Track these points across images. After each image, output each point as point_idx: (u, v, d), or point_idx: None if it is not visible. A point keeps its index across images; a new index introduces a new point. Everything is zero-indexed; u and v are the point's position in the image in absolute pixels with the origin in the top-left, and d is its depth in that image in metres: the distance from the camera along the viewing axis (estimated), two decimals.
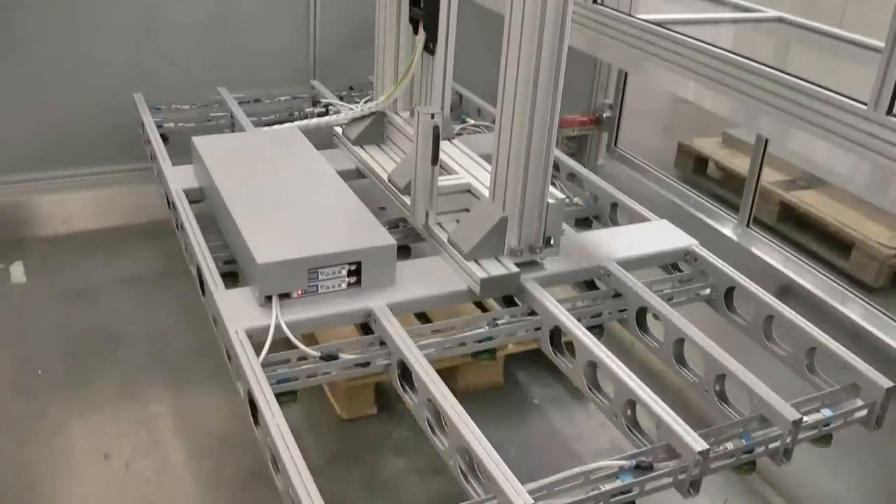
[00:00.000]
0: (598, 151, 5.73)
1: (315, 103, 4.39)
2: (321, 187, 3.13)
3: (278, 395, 2.49)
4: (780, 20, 4.30)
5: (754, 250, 4.47)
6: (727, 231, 4.69)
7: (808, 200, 5.17)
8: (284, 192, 3.08)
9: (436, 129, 2.81)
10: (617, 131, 5.78)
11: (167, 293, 4.04)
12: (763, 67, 3.13)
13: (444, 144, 3.40)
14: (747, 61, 3.19)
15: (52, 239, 4.70)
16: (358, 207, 2.97)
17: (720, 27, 4.69)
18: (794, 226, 5.12)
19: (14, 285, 4.22)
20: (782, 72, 3.06)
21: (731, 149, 5.71)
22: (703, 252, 3.09)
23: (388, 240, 2.77)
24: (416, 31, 3.36)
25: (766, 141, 4.46)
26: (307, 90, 4.57)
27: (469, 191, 3.08)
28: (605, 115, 5.62)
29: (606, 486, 2.18)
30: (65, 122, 4.46)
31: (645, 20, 3.69)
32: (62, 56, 4.35)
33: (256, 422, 2.36)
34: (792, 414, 2.35)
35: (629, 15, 3.81)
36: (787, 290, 4.22)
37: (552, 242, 2.87)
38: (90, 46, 4.38)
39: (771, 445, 2.37)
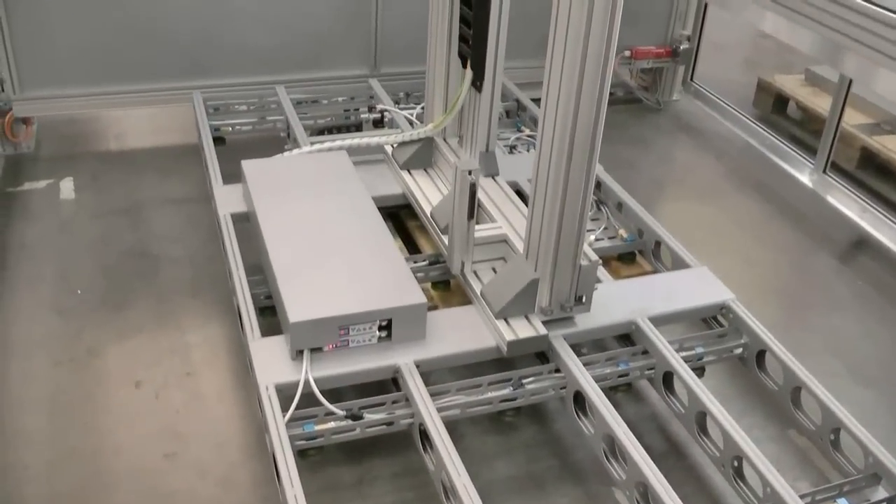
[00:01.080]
0: (672, 86, 5.65)
1: (371, 108, 4.38)
2: (360, 229, 3.16)
3: (304, 450, 2.66)
4: None
5: (829, 199, 4.40)
6: (802, 177, 4.62)
7: (892, 146, 4.72)
8: (324, 235, 3.11)
9: (472, 185, 2.82)
10: (694, 65, 5.67)
11: (213, 217, 3.80)
12: None
13: (486, 183, 3.45)
14: None
15: (103, 155, 4.70)
16: (394, 258, 3.01)
17: None
18: (875, 173, 4.72)
19: (62, 201, 4.24)
20: (872, 3, 2.87)
21: (814, 87, 5.33)
22: (740, 309, 3.06)
23: (420, 298, 2.82)
24: (464, 66, 3.34)
25: (850, 81, 4.31)
26: (365, 90, 4.56)
27: (506, 241, 3.10)
28: (681, 48, 5.48)
29: None
30: (123, 37, 4.46)
31: None
32: None
33: (278, 476, 2.46)
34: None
35: None
36: (862, 244, 4.17)
37: (584, 301, 2.88)
38: None
39: None
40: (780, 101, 5.38)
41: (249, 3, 4.51)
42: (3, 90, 4.38)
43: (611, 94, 5.23)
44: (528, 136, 4.17)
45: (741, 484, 2.60)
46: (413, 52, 4.29)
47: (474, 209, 2.88)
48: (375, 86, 4.53)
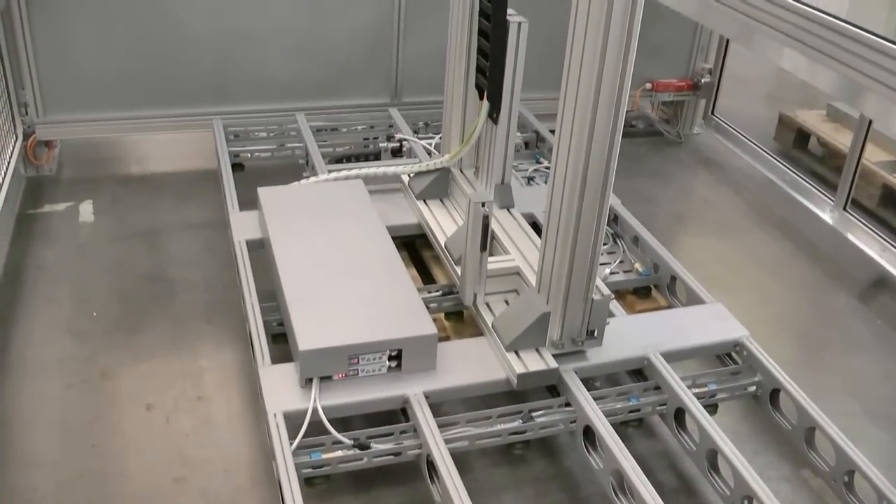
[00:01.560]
0: (693, 119, 5.64)
1: (389, 138, 4.41)
2: (373, 259, 3.16)
3: (312, 479, 2.64)
4: None
5: (849, 236, 4.37)
6: (823, 214, 4.58)
7: None
8: (336, 264, 3.12)
9: (485, 218, 2.83)
10: (715, 98, 5.67)
11: (230, 246, 3.74)
12: (870, 37, 2.85)
13: (501, 214, 3.44)
14: (852, 28, 2.93)
15: (124, 179, 4.72)
16: (407, 288, 3.01)
17: None
18: None
19: (81, 224, 4.26)
20: (889, 41, 2.81)
21: (836, 123, 5.30)
22: (754, 346, 3.03)
23: (430, 329, 2.81)
24: (481, 98, 3.35)
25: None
26: (385, 118, 4.59)
27: (518, 274, 3.09)
28: (703, 81, 5.48)
29: None
30: (146, 63, 4.51)
31: None
32: (150, 1, 4.37)
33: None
34: None
35: None
36: (882, 283, 4.13)
37: (595, 335, 2.87)
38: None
39: None
40: (802, 137, 5.35)
41: (272, 31, 4.56)
42: (26, 113, 4.43)
43: (631, 126, 5.40)
44: (546, 167, 4.18)
45: None
46: (434, 81, 4.26)
47: (487, 241, 2.88)
48: (395, 115, 4.56)
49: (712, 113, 5.58)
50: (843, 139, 4.96)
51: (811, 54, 3.02)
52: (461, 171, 3.64)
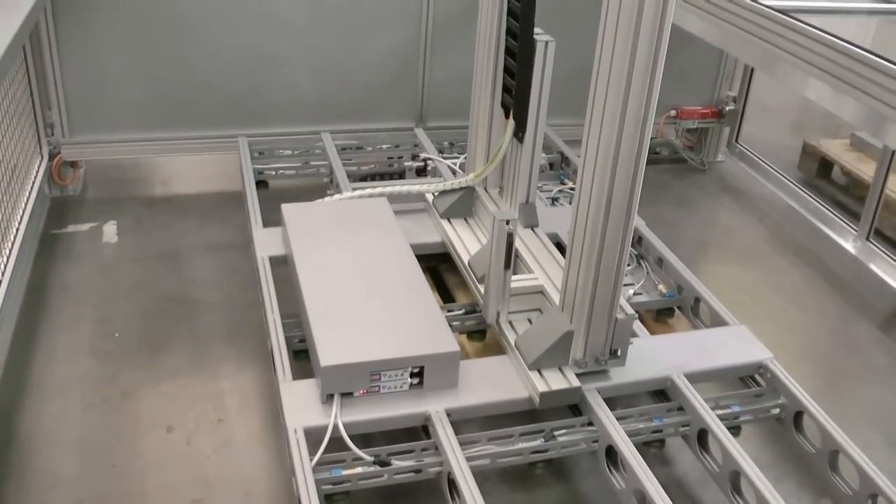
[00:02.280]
0: (717, 146, 5.64)
1: (414, 157, 4.41)
2: (396, 276, 3.16)
3: (331, 495, 2.62)
4: None
5: (872, 266, 4.34)
6: (845, 243, 4.56)
7: None
8: (359, 281, 3.12)
9: (510, 236, 2.82)
10: (739, 126, 5.67)
11: (253, 263, 3.73)
12: (892, 67, 2.85)
13: (525, 234, 3.44)
14: (876, 59, 2.92)
15: (148, 200, 4.74)
16: (429, 305, 3.00)
17: (852, 18, 4.47)
18: None
19: (105, 244, 4.27)
20: None
21: (860, 153, 5.29)
22: (777, 369, 3.01)
23: (453, 346, 2.80)
24: (507, 116, 3.36)
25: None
26: (409, 137, 4.62)
27: (542, 293, 3.08)
28: (727, 109, 5.49)
29: None
30: (172, 85, 4.55)
31: (770, 6, 3.44)
32: (175, 23, 4.42)
33: None
34: None
35: (754, 1, 3.54)
36: None
37: (619, 354, 2.86)
38: (204, 18, 4.44)
39: None
40: (825, 166, 5.33)
41: (298, 53, 4.59)
42: (52, 134, 4.47)
43: (656, 153, 5.40)
44: (571, 188, 4.18)
45: None
46: (459, 105, 4.30)
47: (511, 259, 2.88)
48: (420, 135, 4.58)
49: (736, 141, 5.58)
50: (866, 169, 4.95)
51: (835, 84, 3.02)
52: (486, 190, 3.64)
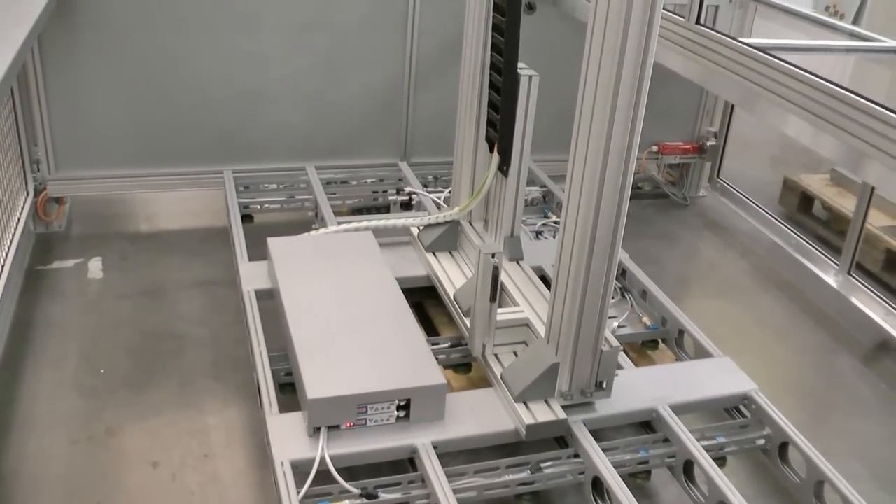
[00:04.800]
0: (699, 182, 5.67)
1: (399, 191, 4.46)
2: (382, 310, 3.17)
3: None
4: None
5: (853, 300, 4.36)
6: (827, 277, 4.58)
7: None
8: (345, 314, 3.12)
9: (495, 269, 2.84)
10: (720, 161, 5.69)
11: (239, 300, 3.75)
12: (871, 105, 2.88)
13: (510, 267, 3.47)
14: (853, 96, 2.95)
15: (133, 236, 4.72)
16: (415, 338, 3.02)
17: (830, 56, 4.51)
18: None
19: (90, 280, 4.25)
20: (894, 112, 2.82)
21: (840, 187, 5.31)
22: (762, 400, 3.04)
23: (439, 379, 2.81)
24: (491, 151, 3.39)
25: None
26: (394, 172, 4.66)
27: (527, 325, 3.10)
28: (708, 144, 5.53)
29: None
30: (158, 122, 4.55)
31: (749, 44, 3.48)
32: (161, 60, 4.44)
33: None
34: None
35: (734, 39, 3.58)
36: (886, 346, 4.12)
37: (604, 386, 2.87)
38: (190, 56, 4.46)
39: None
40: (806, 200, 5.35)
41: (284, 92, 4.62)
42: (38, 170, 4.46)
43: (638, 188, 5.44)
44: (555, 222, 4.20)
45: None
46: (442, 143, 4.34)
47: (496, 292, 2.89)
48: (405, 168, 4.61)
49: (718, 176, 5.60)
50: (846, 203, 4.98)
51: (814, 121, 3.06)
52: (471, 223, 3.66)
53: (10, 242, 4.01)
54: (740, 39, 3.52)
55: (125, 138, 4.54)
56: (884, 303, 4.24)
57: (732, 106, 5.40)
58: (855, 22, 6.58)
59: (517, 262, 3.47)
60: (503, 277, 3.15)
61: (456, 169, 3.70)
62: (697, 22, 3.69)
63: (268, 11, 4.47)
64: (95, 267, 4.33)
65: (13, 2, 3.56)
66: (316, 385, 2.72)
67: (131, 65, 4.40)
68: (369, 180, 4.59)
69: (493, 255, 2.83)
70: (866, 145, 2.84)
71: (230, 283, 3.97)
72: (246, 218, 4.20)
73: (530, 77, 3.16)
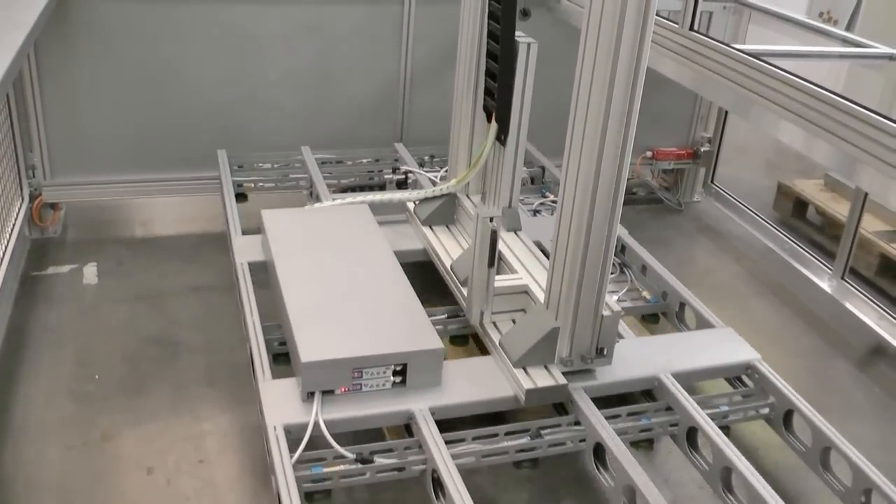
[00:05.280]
0: (693, 187, 5.64)
1: (395, 170, 4.41)
2: (379, 277, 3.12)
3: (312, 493, 2.54)
4: (892, 58, 4.05)
5: (847, 305, 4.32)
6: (821, 282, 4.54)
7: None
8: (341, 282, 3.07)
9: (493, 233, 2.79)
10: (715, 167, 5.66)
11: (234, 305, 3.78)
12: (864, 111, 2.85)
13: (508, 237, 3.42)
14: (846, 103, 2.92)
15: (129, 242, 4.68)
16: (412, 303, 2.96)
17: (823, 62, 4.50)
18: (894, 280, 4.60)
19: (86, 286, 4.21)
20: (888, 118, 2.78)
21: (833, 192, 5.29)
22: (766, 369, 2.99)
23: (436, 343, 2.75)
24: (489, 120, 3.35)
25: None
26: (390, 153, 4.61)
27: (526, 292, 3.04)
28: (703, 150, 5.51)
29: None
30: (153, 127, 4.52)
31: (742, 50, 3.45)
32: (157, 66, 4.41)
33: None
34: None
35: (727, 45, 3.55)
36: (880, 351, 4.07)
37: (605, 353, 2.81)
38: (185, 61, 4.44)
39: None
40: (800, 206, 5.33)
41: (280, 96, 4.61)
42: (34, 176, 4.44)
43: (632, 193, 5.43)
44: (552, 201, 4.16)
45: None
46: (439, 133, 4.26)
47: (495, 257, 2.84)
48: (401, 149, 4.56)
49: (712, 181, 5.57)
50: (840, 209, 4.96)
51: (807, 127, 3.05)
52: (468, 196, 3.61)
53: (6, 248, 3.97)
54: (733, 45, 3.51)
55: (121, 144, 4.52)
56: (878, 308, 4.20)
57: (726, 112, 5.38)
58: (849, 27, 6.58)
59: (515, 233, 3.42)
60: (501, 247, 3.09)
61: (453, 141, 3.66)
62: (691, 28, 3.69)
63: (263, 18, 4.46)
64: (91, 272, 4.29)
65: (9, 7, 3.53)
66: (310, 348, 2.66)
67: (127, 71, 4.39)
68: (365, 160, 4.52)
69: (491, 219, 2.78)
70: (859, 151, 2.83)
71: (225, 289, 3.96)
72: (240, 197, 4.14)
73: (528, 45, 3.13)
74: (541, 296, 2.92)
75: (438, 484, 2.51)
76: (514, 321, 3.02)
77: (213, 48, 4.44)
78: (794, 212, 5.37)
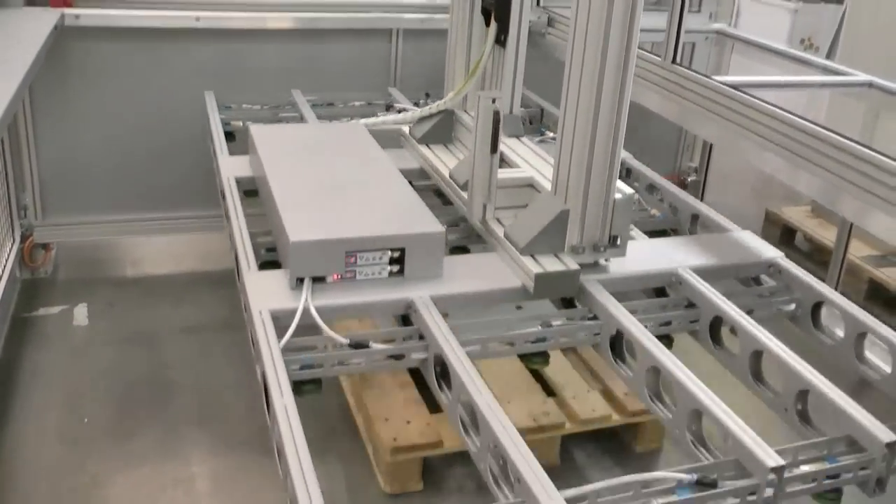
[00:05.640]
0: None
1: (389, 107, 4.22)
2: (374, 174, 2.95)
3: (302, 383, 2.29)
4: (871, 85, 3.94)
5: (838, 331, 4.17)
6: None
7: None
8: (334, 178, 2.89)
9: (496, 114, 2.60)
10: (702, 195, 5.60)
11: (226, 345, 3.88)
12: (844, 141, 2.80)
13: (511, 141, 3.24)
14: (826, 133, 2.87)
15: (119, 281, 4.64)
16: (409, 194, 2.77)
17: (804, 91, 4.56)
18: (883, 305, 4.60)
19: (76, 327, 4.15)
20: (867, 147, 2.74)
21: (820, 219, 5.34)
22: (789, 265, 2.78)
23: (437, 227, 2.55)
24: (487, 24, 3.19)
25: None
26: (384, 97, 4.45)
27: (531, 185, 2.84)
28: (689, 179, 5.48)
29: (660, 501, 1.88)
30: (145, 167, 4.47)
31: (723, 82, 3.41)
32: (147, 107, 4.37)
33: (269, 409, 2.12)
34: (888, 436, 2.03)
35: (709, 77, 3.50)
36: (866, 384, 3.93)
37: (618, 242, 2.60)
38: (169, 95, 4.38)
39: (861, 472, 2.04)
40: (788, 233, 5.41)
41: None
42: (25, 216, 4.38)
43: None
44: (552, 137, 3.93)
45: (809, 427, 2.29)
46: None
47: (497, 143, 2.64)
48: (395, 92, 4.41)
49: None
50: (827, 235, 5.01)
51: (790, 158, 3.01)
52: (466, 111, 3.43)
53: None
54: (714, 78, 3.47)
55: (112, 184, 4.48)
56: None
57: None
58: (829, 54, 6.66)
59: (518, 138, 3.24)
60: (503, 148, 2.90)
61: (449, 53, 3.50)
62: (673, 61, 3.64)
63: (253, 57, 4.43)
64: (81, 314, 4.24)
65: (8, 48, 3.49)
66: (299, 230, 2.46)
67: (118, 111, 4.38)
68: (357, 103, 4.34)
69: (493, 100, 2.58)
70: (841, 180, 2.79)
71: (217, 330, 4.04)
72: (228, 136, 3.87)
73: None
74: (547, 186, 2.73)
75: (443, 372, 2.30)
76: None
77: (204, 89, 4.32)
78: (783, 238, 5.45)
